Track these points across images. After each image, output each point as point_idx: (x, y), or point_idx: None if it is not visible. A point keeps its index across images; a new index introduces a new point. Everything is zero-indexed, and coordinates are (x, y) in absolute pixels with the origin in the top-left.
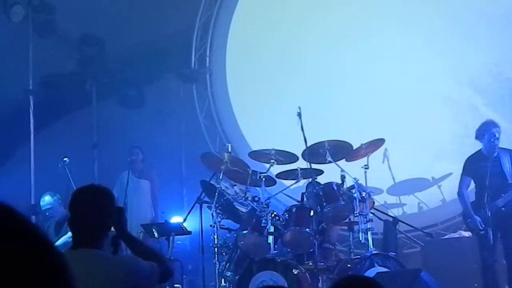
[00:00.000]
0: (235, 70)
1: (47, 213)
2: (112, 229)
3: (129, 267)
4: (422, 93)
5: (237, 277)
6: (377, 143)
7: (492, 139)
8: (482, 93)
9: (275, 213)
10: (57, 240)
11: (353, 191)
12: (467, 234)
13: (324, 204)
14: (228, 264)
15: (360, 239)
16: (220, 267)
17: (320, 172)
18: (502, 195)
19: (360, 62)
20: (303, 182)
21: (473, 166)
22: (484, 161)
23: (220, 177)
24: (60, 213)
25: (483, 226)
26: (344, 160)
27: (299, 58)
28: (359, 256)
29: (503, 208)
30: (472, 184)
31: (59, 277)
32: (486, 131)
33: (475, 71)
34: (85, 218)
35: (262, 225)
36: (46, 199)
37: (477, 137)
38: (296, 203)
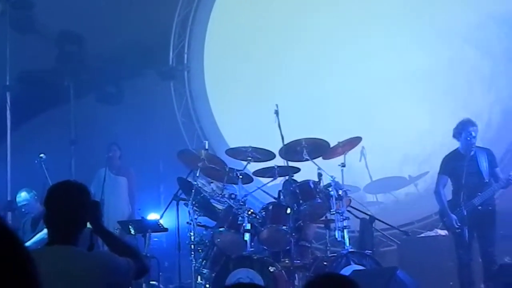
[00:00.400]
0: (213, 67)
1: (23, 209)
2: (88, 224)
3: (106, 263)
4: (400, 93)
5: (213, 274)
6: (354, 141)
7: (469, 138)
8: (459, 95)
9: (251, 210)
10: (33, 236)
11: (330, 189)
12: (443, 232)
13: (301, 202)
14: (204, 261)
15: (337, 237)
16: (197, 264)
17: (297, 170)
18: (479, 193)
19: (339, 61)
20: (280, 180)
21: (450, 165)
22: (461, 160)
23: (197, 174)
24: (37, 210)
25: (459, 224)
26: (321, 158)
27: (278, 55)
28: (335, 254)
29: (479, 207)
30: (449, 183)
31: (26, 273)
32: (464, 129)
33: (450, 71)
34: (61, 214)
35: (239, 222)
36: (22, 195)
37: (454, 136)
38: (273, 200)
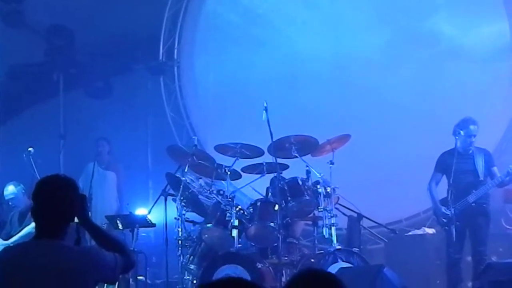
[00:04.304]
0: (203, 63)
1: (10, 203)
2: (75, 219)
3: (92, 258)
4: (389, 87)
5: (200, 270)
6: (343, 139)
7: (469, 136)
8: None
9: (239, 206)
10: (21, 230)
11: (318, 186)
12: (430, 231)
13: (289, 198)
14: (192, 257)
15: (324, 234)
16: (184, 260)
17: (286, 166)
18: (473, 191)
19: (331, 57)
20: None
21: (446, 163)
22: (457, 158)
23: (186, 170)
24: (24, 203)
25: (447, 213)
26: (310, 155)
27: (270, 51)
28: (322, 251)
29: (473, 204)
30: (445, 180)
31: None
32: (464, 127)
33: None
34: (49, 208)
35: (227, 218)
36: (10, 189)
37: (454, 133)
38: (261, 197)
